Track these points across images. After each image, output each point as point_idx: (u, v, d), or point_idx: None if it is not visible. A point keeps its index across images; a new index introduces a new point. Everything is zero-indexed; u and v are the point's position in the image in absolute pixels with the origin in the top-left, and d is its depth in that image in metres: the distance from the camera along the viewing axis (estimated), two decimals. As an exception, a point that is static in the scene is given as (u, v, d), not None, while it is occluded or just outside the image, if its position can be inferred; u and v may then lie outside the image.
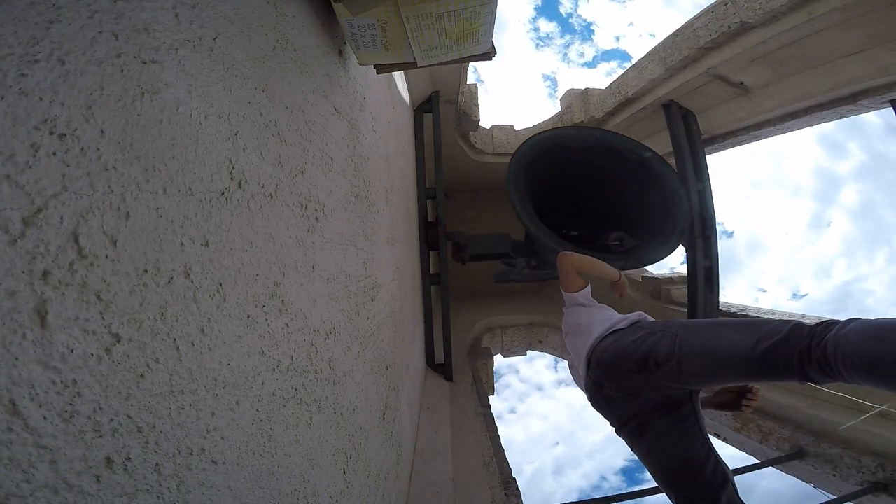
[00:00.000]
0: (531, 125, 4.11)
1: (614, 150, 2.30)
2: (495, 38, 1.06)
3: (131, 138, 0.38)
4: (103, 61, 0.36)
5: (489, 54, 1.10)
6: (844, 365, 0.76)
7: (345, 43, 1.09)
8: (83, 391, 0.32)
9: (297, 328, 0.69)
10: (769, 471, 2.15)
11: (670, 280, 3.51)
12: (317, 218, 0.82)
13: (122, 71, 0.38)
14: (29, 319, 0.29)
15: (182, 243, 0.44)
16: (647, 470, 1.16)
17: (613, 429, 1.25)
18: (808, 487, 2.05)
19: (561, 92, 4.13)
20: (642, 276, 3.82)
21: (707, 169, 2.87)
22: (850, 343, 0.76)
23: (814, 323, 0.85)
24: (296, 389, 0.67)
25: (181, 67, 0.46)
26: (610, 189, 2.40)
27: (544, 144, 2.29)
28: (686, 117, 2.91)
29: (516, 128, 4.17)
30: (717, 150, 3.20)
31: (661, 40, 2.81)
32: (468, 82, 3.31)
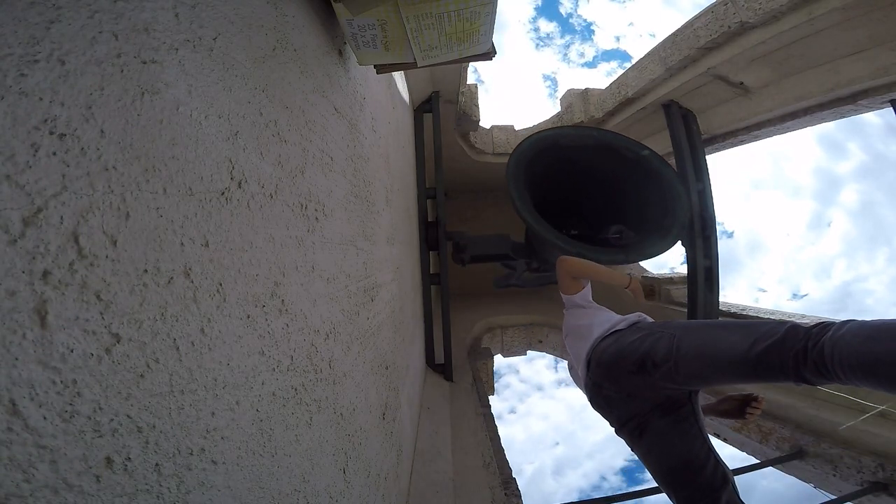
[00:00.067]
0: (531, 125, 4.11)
1: (612, 148, 2.31)
2: (495, 38, 1.06)
3: (131, 138, 0.38)
4: (103, 61, 0.36)
5: (489, 54, 1.10)
6: (841, 366, 0.76)
7: (345, 43, 1.09)
8: (83, 391, 0.32)
9: (297, 328, 0.69)
10: (769, 471, 2.15)
11: (670, 280, 3.51)
12: (317, 218, 0.82)
13: (122, 71, 0.38)
14: (29, 319, 0.29)
15: (182, 243, 0.44)
16: (647, 470, 1.16)
17: (613, 429, 1.25)
18: (808, 487, 2.05)
19: (561, 92, 4.13)
20: (642, 276, 3.82)
21: (707, 169, 2.87)
22: (847, 345, 0.76)
23: (810, 324, 0.85)
24: (296, 389, 0.67)
25: (181, 67, 0.46)
26: (609, 188, 2.41)
27: (543, 144, 2.30)
28: (686, 117, 2.91)
29: (516, 128, 4.17)
30: (717, 150, 3.20)
31: (661, 40, 2.81)
32: (468, 82, 3.31)
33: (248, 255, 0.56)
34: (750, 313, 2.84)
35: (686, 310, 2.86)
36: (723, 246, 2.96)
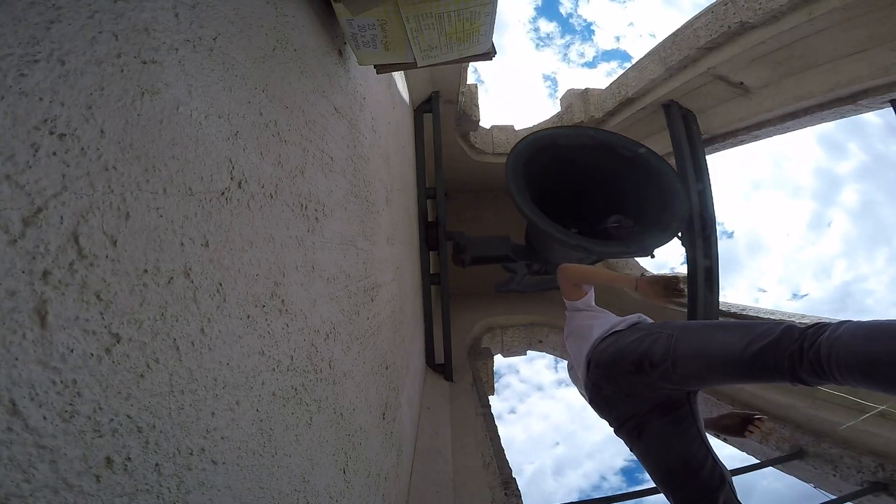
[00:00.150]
0: (531, 125, 4.11)
1: (609, 147, 2.32)
2: (495, 38, 1.06)
3: (131, 138, 0.38)
4: (103, 61, 0.36)
5: (489, 54, 1.10)
6: (839, 367, 0.76)
7: (345, 43, 1.09)
8: (83, 391, 0.32)
9: (297, 328, 0.69)
10: (769, 471, 2.15)
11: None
12: (317, 218, 0.82)
13: (122, 71, 0.38)
14: (29, 319, 0.29)
15: (182, 243, 0.44)
16: (645, 470, 1.17)
17: (613, 429, 1.25)
18: (808, 487, 2.05)
19: (561, 92, 4.13)
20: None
21: (707, 169, 2.87)
22: (844, 345, 0.76)
23: (806, 325, 0.85)
24: (296, 389, 0.67)
25: (181, 67, 0.46)
26: (608, 186, 2.41)
27: (541, 143, 2.30)
28: (686, 117, 2.91)
29: (516, 128, 4.17)
30: (717, 150, 3.20)
31: (661, 40, 2.81)
32: (468, 82, 3.31)
33: (248, 255, 0.56)
34: (750, 313, 2.85)
35: (686, 310, 2.86)
36: (723, 246, 2.97)
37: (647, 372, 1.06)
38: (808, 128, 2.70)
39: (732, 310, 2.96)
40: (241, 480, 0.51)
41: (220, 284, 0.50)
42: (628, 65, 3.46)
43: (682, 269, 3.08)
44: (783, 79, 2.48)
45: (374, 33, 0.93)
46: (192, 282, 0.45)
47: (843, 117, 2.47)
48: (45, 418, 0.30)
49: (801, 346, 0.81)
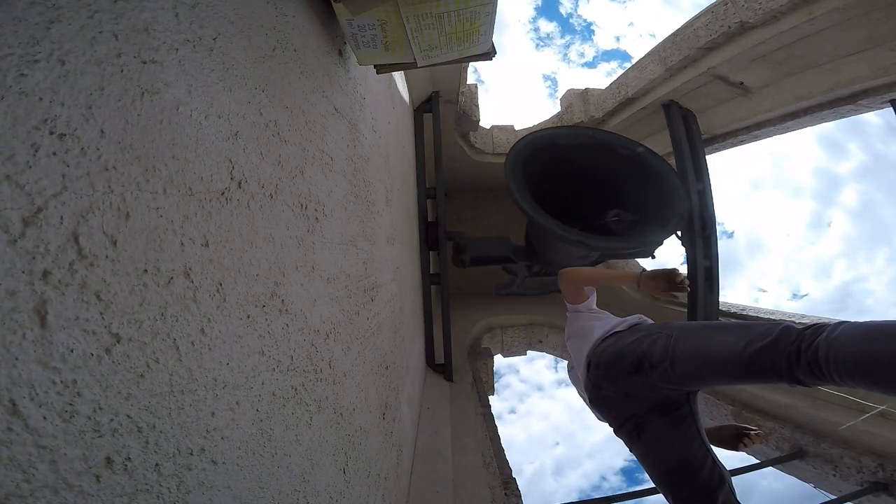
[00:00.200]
0: (531, 125, 4.11)
1: (608, 147, 2.33)
2: (495, 38, 1.06)
3: (131, 138, 0.38)
4: (103, 61, 0.36)
5: (489, 54, 1.10)
6: (836, 368, 0.76)
7: (345, 43, 1.09)
8: (83, 391, 0.32)
9: (297, 328, 0.69)
10: (769, 471, 2.15)
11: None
12: (317, 218, 0.82)
13: (122, 71, 0.38)
14: (29, 319, 0.29)
15: (182, 243, 0.44)
16: (644, 470, 1.17)
17: (612, 429, 1.25)
18: (808, 487, 2.05)
19: (561, 92, 4.13)
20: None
21: (707, 169, 2.87)
22: (842, 346, 0.76)
23: (804, 326, 0.85)
24: (296, 389, 0.67)
25: (181, 67, 0.46)
26: (607, 186, 2.42)
27: (540, 142, 2.31)
28: (686, 117, 2.91)
29: (516, 128, 4.17)
30: (717, 150, 3.20)
31: (661, 40, 2.81)
32: (468, 82, 3.31)
33: (248, 255, 0.56)
34: (750, 313, 2.85)
35: (686, 310, 2.86)
36: (723, 246, 2.97)
37: (647, 372, 1.06)
38: (808, 128, 2.70)
39: (732, 310, 2.96)
40: (241, 480, 0.51)
41: (220, 284, 0.50)
42: (628, 65, 3.47)
43: (683, 269, 3.08)
44: (783, 79, 2.48)
45: (374, 33, 0.93)
46: (192, 282, 0.45)
47: (843, 117, 2.47)
48: (45, 418, 0.30)
49: (799, 347, 0.81)
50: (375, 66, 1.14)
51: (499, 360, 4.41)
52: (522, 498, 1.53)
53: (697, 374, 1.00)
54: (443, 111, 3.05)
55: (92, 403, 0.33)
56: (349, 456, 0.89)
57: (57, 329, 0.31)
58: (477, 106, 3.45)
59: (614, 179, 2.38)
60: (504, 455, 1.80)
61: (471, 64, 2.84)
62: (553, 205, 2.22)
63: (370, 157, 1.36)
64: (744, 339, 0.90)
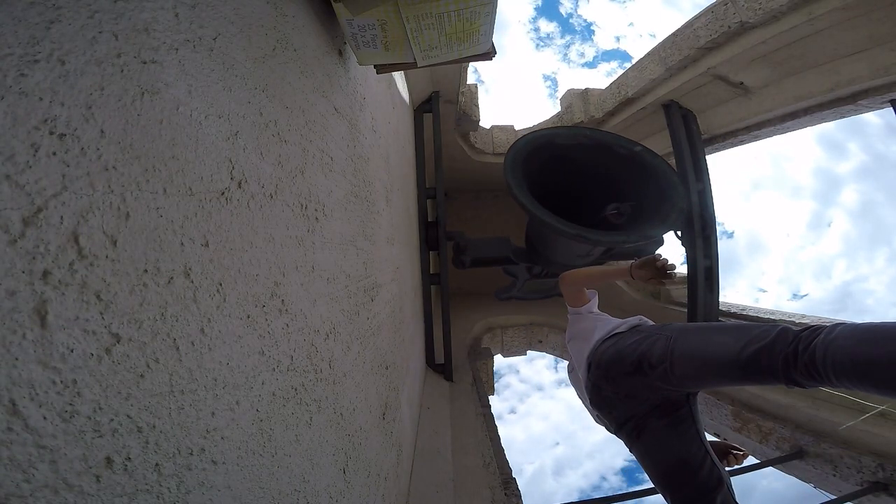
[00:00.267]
0: (531, 125, 4.11)
1: (606, 146, 2.34)
2: (495, 39, 1.06)
3: (131, 138, 0.38)
4: (103, 61, 0.36)
5: (489, 54, 1.10)
6: (834, 370, 0.76)
7: (345, 43, 1.09)
8: (83, 391, 0.32)
9: (297, 328, 0.69)
10: (769, 471, 2.15)
11: (670, 280, 3.50)
12: (317, 218, 0.82)
13: (122, 71, 0.38)
14: (29, 319, 0.29)
15: (182, 243, 0.44)
16: (644, 471, 1.17)
17: (612, 430, 1.25)
18: (808, 487, 2.05)
19: (561, 92, 4.13)
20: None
21: (707, 169, 2.87)
22: (840, 348, 0.76)
23: (800, 328, 0.86)
24: (296, 389, 0.67)
25: (181, 67, 0.46)
26: (607, 185, 2.42)
27: (539, 142, 2.32)
28: (686, 117, 2.91)
29: (516, 128, 4.17)
30: (717, 150, 3.20)
31: (661, 40, 2.81)
32: (468, 82, 3.32)
33: (248, 255, 0.56)
34: (750, 313, 2.85)
35: (686, 310, 2.87)
36: (723, 246, 2.97)
37: (646, 373, 1.07)
38: (808, 128, 2.70)
39: (732, 310, 2.96)
40: (241, 480, 0.51)
41: (220, 284, 0.50)
42: (628, 65, 3.46)
43: (683, 269, 3.08)
44: (783, 79, 2.48)
45: (374, 33, 0.93)
46: (192, 282, 0.45)
47: (843, 117, 2.47)
48: (45, 418, 0.30)
49: (796, 349, 0.82)
50: (375, 66, 1.14)
51: (499, 360, 4.42)
52: (522, 498, 1.53)
53: (696, 376, 1.01)
54: (443, 111, 3.05)
55: (92, 403, 0.33)
56: (349, 456, 0.89)
57: (57, 329, 0.31)
58: (477, 106, 3.45)
59: (613, 178, 2.39)
60: (504, 455, 1.80)
61: (471, 64, 2.84)
62: (553, 204, 2.22)
63: (370, 157, 1.36)
64: (741, 340, 0.91)
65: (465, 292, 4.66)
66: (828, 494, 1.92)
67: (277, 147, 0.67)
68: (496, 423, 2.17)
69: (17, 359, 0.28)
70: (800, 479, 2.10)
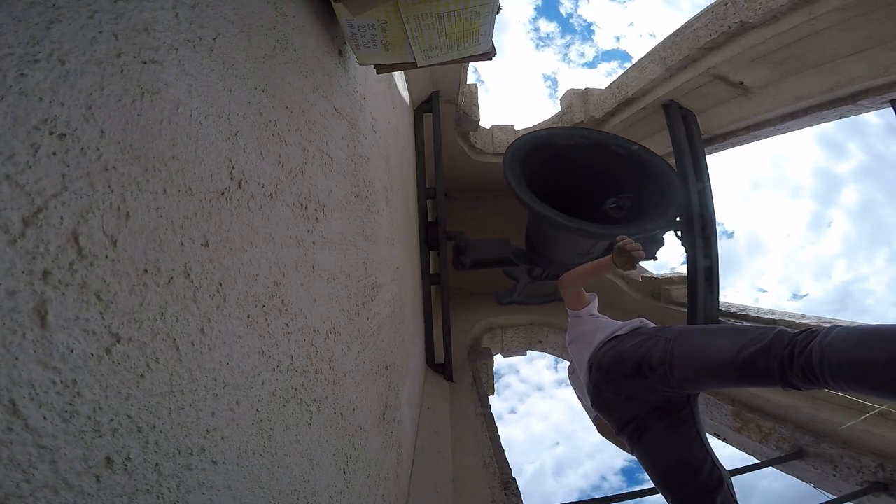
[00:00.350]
0: (531, 125, 4.11)
1: (603, 146, 2.36)
2: (495, 39, 1.06)
3: (131, 138, 0.38)
4: (103, 61, 0.36)
5: (489, 54, 1.10)
6: (831, 372, 0.76)
7: (345, 43, 1.09)
8: (83, 391, 0.32)
9: (297, 328, 0.69)
10: (769, 471, 2.15)
11: (670, 280, 3.51)
12: (317, 218, 0.82)
13: (122, 71, 0.38)
14: (29, 319, 0.29)
15: (182, 243, 0.44)
16: (645, 472, 1.17)
17: (614, 431, 1.25)
18: (808, 487, 2.05)
19: (561, 92, 4.13)
20: (642, 277, 3.82)
21: (707, 169, 2.87)
22: (837, 350, 0.76)
23: (797, 331, 0.86)
24: (296, 389, 0.67)
25: (181, 67, 0.46)
26: (605, 184, 2.43)
27: (538, 142, 2.34)
28: (686, 117, 2.91)
29: (516, 128, 4.17)
30: (717, 150, 3.20)
31: (661, 40, 2.81)
32: (468, 82, 3.32)
33: (248, 255, 0.56)
34: (750, 313, 2.84)
35: (686, 310, 2.86)
36: (723, 246, 2.97)
37: (646, 375, 1.08)
38: (808, 128, 2.70)
39: (732, 310, 2.96)
40: (241, 480, 0.51)
41: (220, 284, 0.50)
42: (628, 65, 3.47)
43: (683, 269, 3.09)
44: (783, 79, 2.48)
45: (374, 33, 0.93)
46: (192, 282, 0.45)
47: (843, 117, 2.47)
48: (45, 418, 0.30)
49: (792, 352, 0.82)
50: (375, 66, 1.14)
51: (499, 360, 4.42)
52: (522, 498, 1.53)
53: (694, 378, 1.02)
54: (443, 111, 3.05)
55: (92, 403, 0.33)
56: (349, 456, 0.89)
57: (57, 329, 0.31)
58: (477, 106, 3.45)
59: (612, 177, 2.40)
60: (504, 455, 1.80)
61: (471, 64, 2.84)
62: (553, 204, 2.23)
63: (370, 157, 1.36)
64: (738, 343, 0.92)
65: (465, 292, 4.66)
66: (828, 494, 1.92)
67: (277, 147, 0.67)
68: (496, 422, 2.17)
69: (17, 359, 0.28)
70: (800, 479, 2.10)
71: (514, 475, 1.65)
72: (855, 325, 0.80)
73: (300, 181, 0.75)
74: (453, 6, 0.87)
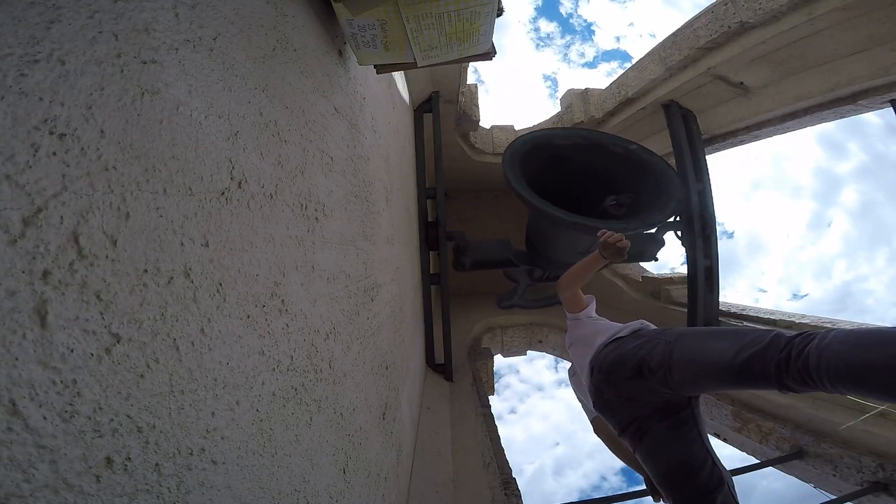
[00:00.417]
0: (531, 125, 4.11)
1: (602, 145, 2.37)
2: (495, 39, 1.06)
3: (131, 138, 0.38)
4: (103, 61, 0.36)
5: (489, 54, 1.10)
6: (829, 375, 0.76)
7: (345, 43, 1.09)
8: (83, 391, 0.32)
9: (297, 328, 0.69)
10: (769, 471, 2.15)
11: (670, 280, 3.51)
12: (317, 218, 0.82)
13: (122, 71, 0.38)
14: (29, 319, 0.29)
15: (182, 243, 0.44)
16: (647, 472, 1.18)
17: (616, 433, 1.25)
18: (808, 487, 2.05)
19: (561, 92, 4.13)
20: (642, 277, 3.82)
21: (707, 169, 2.87)
22: (834, 353, 0.76)
23: (792, 334, 0.87)
24: (296, 389, 0.67)
25: (181, 67, 0.46)
26: (604, 184, 2.44)
27: (537, 142, 2.35)
28: (686, 117, 2.91)
29: (516, 128, 4.17)
30: (717, 150, 3.20)
31: (661, 40, 2.81)
32: (468, 82, 3.32)
33: (248, 255, 0.56)
34: (750, 313, 2.84)
35: (686, 310, 2.86)
36: (723, 246, 2.97)
37: (646, 377, 1.08)
38: (808, 128, 2.70)
39: (732, 310, 2.96)
40: (241, 480, 0.51)
41: (220, 284, 0.50)
42: (628, 65, 3.47)
43: (682, 269, 3.09)
44: (783, 79, 2.49)
45: (374, 33, 0.93)
46: (192, 282, 0.45)
47: (843, 117, 2.47)
48: (45, 418, 0.30)
49: (789, 355, 0.83)
50: (375, 66, 1.14)
51: (499, 360, 4.42)
52: (522, 498, 1.53)
53: (693, 380, 1.03)
54: (443, 111, 3.05)
55: (92, 403, 0.33)
56: (349, 456, 0.89)
57: (57, 329, 0.31)
58: (477, 106, 3.46)
59: (611, 177, 2.41)
60: (504, 455, 1.80)
61: (471, 64, 2.84)
62: (552, 203, 2.23)
63: (370, 157, 1.36)
64: (735, 346, 0.93)
65: (465, 292, 4.66)
66: (828, 494, 1.92)
67: (277, 147, 0.67)
68: (496, 423, 2.17)
69: (17, 359, 0.28)
70: (800, 479, 2.10)
71: (514, 475, 1.65)
72: (852, 328, 0.81)
73: (300, 181, 0.75)
74: (453, 6, 0.87)
